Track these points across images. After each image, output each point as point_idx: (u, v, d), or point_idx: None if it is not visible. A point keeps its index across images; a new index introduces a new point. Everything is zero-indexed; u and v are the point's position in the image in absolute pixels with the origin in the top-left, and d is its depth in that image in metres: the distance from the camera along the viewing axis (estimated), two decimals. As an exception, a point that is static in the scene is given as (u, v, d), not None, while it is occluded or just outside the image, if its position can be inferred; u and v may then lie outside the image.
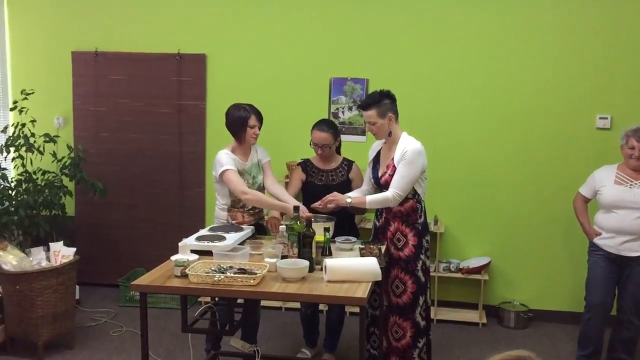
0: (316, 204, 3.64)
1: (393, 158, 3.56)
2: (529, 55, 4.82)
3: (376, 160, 3.77)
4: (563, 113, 4.80)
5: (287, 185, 4.18)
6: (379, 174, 3.67)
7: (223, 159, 3.75)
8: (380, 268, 3.09)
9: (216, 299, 3.69)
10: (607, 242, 3.85)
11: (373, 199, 3.58)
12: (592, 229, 3.97)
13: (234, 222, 3.80)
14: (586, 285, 3.98)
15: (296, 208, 3.39)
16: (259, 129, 3.86)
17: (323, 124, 3.99)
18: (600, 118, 4.74)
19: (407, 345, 3.64)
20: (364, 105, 3.61)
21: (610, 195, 3.82)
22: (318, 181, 4.01)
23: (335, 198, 3.60)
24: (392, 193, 3.49)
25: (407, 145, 3.51)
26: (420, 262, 3.61)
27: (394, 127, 3.58)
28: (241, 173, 3.79)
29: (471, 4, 4.85)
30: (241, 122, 3.78)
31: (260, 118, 3.87)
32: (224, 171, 3.71)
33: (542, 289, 4.98)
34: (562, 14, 4.73)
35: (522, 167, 4.91)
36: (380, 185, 3.66)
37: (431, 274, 4.11)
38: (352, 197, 3.64)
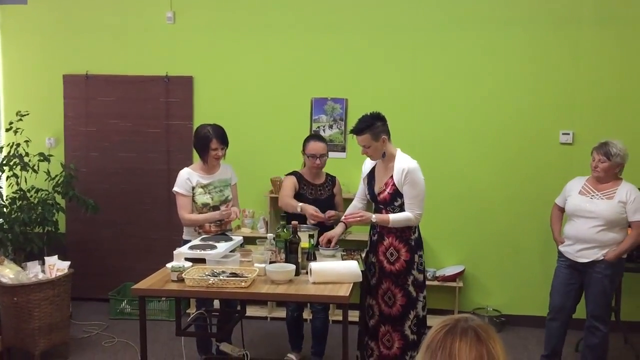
0: (345, 218, 3.79)
1: (392, 176, 3.62)
2: (500, 77, 5.15)
3: (371, 176, 3.82)
4: (530, 129, 5.13)
5: (281, 193, 4.24)
6: (376, 191, 3.74)
7: (178, 179, 4.03)
8: (361, 271, 3.35)
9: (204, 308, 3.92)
10: (567, 249, 4.06)
11: (396, 218, 3.62)
12: (559, 237, 4.17)
13: (201, 231, 4.05)
14: (550, 290, 4.21)
15: (283, 217, 3.65)
16: (223, 150, 4.04)
17: (317, 137, 4.26)
18: (563, 134, 5.09)
19: (395, 355, 3.75)
20: (357, 130, 3.59)
21: (572, 204, 4.03)
22: (309, 195, 4.21)
23: (362, 216, 3.70)
24: (413, 214, 3.58)
25: (405, 166, 3.57)
26: (412, 277, 3.68)
27: (387, 146, 3.66)
28: (205, 186, 4.03)
29: (448, 29, 5.17)
30: (203, 144, 4.02)
31: (223, 140, 4.04)
32: (175, 192, 4.02)
33: (514, 295, 5.25)
34: (529, 42, 5.09)
35: (493, 181, 5.21)
36: (377, 202, 3.75)
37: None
38: (375, 215, 3.69)
